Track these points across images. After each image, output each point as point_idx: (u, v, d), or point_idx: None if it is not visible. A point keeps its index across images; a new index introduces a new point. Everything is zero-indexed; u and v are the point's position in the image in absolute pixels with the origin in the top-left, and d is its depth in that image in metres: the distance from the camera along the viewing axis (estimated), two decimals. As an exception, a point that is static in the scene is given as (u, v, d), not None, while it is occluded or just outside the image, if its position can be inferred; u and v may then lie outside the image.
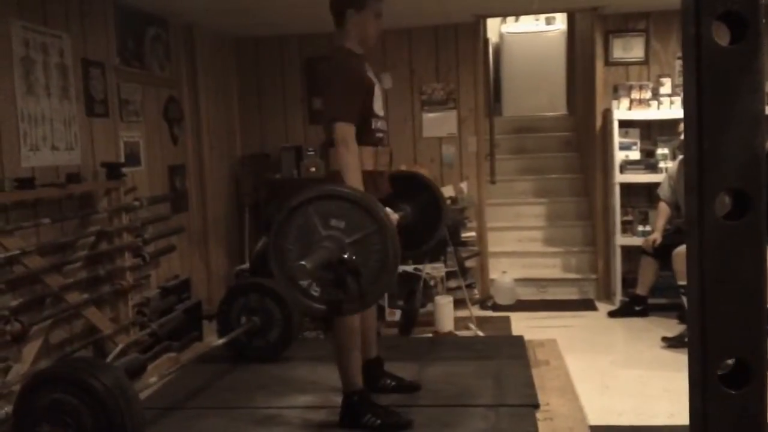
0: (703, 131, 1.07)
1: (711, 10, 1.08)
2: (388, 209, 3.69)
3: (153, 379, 3.87)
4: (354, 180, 3.37)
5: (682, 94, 5.45)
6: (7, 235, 3.82)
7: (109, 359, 4.16)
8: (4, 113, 3.97)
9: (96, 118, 4.82)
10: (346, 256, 2.95)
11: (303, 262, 2.82)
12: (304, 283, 3.00)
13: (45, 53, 4.32)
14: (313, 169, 6.55)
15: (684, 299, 5.37)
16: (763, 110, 1.10)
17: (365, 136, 3.54)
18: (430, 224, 4.38)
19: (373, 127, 3.61)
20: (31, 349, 3.97)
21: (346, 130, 3.42)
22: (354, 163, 3.41)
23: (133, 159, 5.23)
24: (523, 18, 8.84)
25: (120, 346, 4.37)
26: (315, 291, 3.04)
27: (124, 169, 4.88)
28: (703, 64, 1.08)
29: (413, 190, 4.31)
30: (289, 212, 3.06)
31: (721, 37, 1.11)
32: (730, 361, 1.19)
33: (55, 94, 4.39)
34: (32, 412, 3.08)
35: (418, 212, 4.27)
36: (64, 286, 4.21)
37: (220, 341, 4.56)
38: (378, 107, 3.65)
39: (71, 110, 4.55)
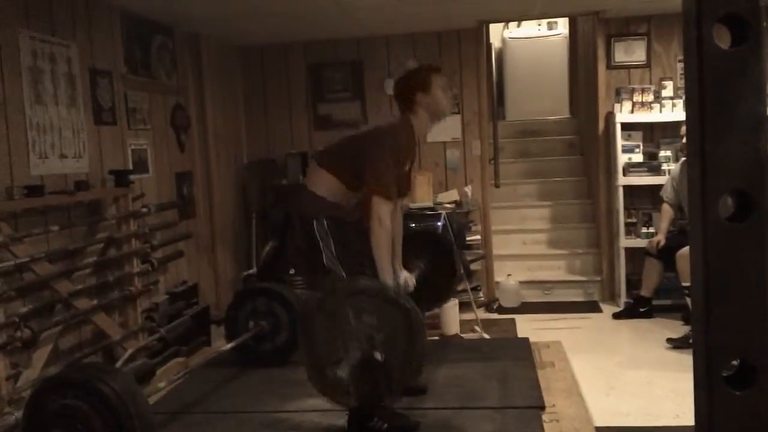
0: (706, 133, 1.09)
1: (712, 13, 1.10)
2: (405, 273, 3.84)
3: (162, 384, 3.89)
4: (384, 260, 3.53)
5: (684, 96, 5.48)
6: (17, 243, 3.85)
7: (118, 364, 4.18)
8: (13, 122, 4.01)
9: (104, 126, 4.86)
10: (377, 356, 3.04)
11: (340, 374, 2.96)
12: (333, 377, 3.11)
13: (53, 62, 4.35)
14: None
15: (688, 300, 5.38)
16: (765, 112, 1.12)
17: None
18: (445, 277, 4.55)
19: None
20: (40, 355, 4.00)
21: (384, 207, 3.55)
22: (386, 243, 3.57)
23: (140, 166, 5.27)
24: (525, 23, 8.87)
25: (129, 352, 4.40)
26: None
27: (132, 177, 4.92)
28: (704, 67, 1.11)
29: (425, 245, 4.41)
30: (321, 304, 3.14)
31: (723, 39, 1.14)
32: (735, 362, 1.20)
33: (63, 102, 4.43)
34: (42, 417, 3.10)
35: (433, 266, 4.42)
36: (73, 292, 4.24)
37: (228, 346, 4.58)
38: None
39: (79, 118, 4.59)
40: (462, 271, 4.56)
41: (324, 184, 3.71)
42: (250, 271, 6.39)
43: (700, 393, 1.23)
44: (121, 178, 4.77)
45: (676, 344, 5.23)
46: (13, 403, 3.64)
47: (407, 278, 3.91)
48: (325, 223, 3.64)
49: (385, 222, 3.53)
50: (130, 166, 5.11)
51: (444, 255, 4.50)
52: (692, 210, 1.15)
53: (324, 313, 3.14)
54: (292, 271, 5.82)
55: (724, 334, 1.16)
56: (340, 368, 2.97)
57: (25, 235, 3.93)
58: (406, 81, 3.83)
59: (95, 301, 4.48)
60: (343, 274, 3.60)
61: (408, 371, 3.13)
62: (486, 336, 5.65)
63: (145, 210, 4.93)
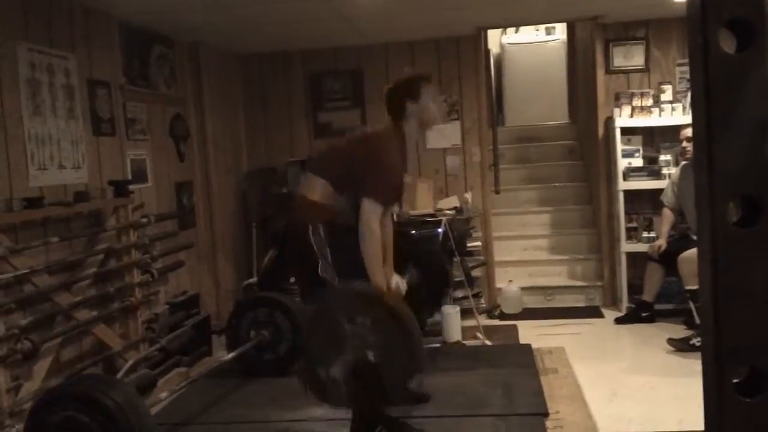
0: (713, 139, 1.08)
1: (718, 18, 1.09)
2: (397, 277, 3.88)
3: (163, 395, 3.88)
4: (374, 263, 3.56)
5: (683, 100, 5.46)
6: (17, 255, 3.84)
7: (119, 376, 4.17)
8: (12, 134, 4.00)
9: (103, 136, 4.85)
10: (371, 357, 3.07)
11: (334, 375, 3.01)
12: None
13: (51, 74, 4.35)
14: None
15: (691, 304, 5.36)
16: (772, 116, 1.11)
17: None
18: (435, 283, 4.58)
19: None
20: (41, 367, 3.98)
21: (374, 211, 3.59)
22: (377, 248, 3.60)
23: (140, 176, 5.26)
24: (523, 28, 8.88)
25: (130, 362, 4.38)
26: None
27: (132, 187, 4.90)
28: (710, 72, 1.10)
29: (415, 251, 4.43)
30: (317, 311, 3.15)
31: (728, 44, 1.13)
32: (744, 369, 1.19)
33: (61, 114, 4.42)
34: (43, 430, 3.09)
35: (424, 272, 4.43)
36: (73, 303, 4.23)
37: (230, 356, 4.57)
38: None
39: (78, 130, 4.58)
40: (453, 277, 4.58)
41: (317, 189, 3.75)
42: (251, 281, 6.38)
43: (710, 401, 1.21)
44: (120, 188, 4.75)
45: (677, 345, 5.21)
46: (14, 416, 3.63)
47: (398, 282, 3.93)
48: (321, 231, 3.66)
49: (374, 227, 3.57)
50: (130, 177, 5.10)
51: (435, 261, 4.51)
52: (700, 216, 1.14)
53: (319, 318, 3.16)
54: (292, 280, 5.81)
55: (733, 341, 1.15)
56: (333, 369, 2.99)
57: (25, 247, 3.91)
58: (396, 89, 3.87)
59: (95, 313, 4.46)
60: (336, 281, 3.63)
61: (402, 374, 3.13)
62: (488, 343, 5.63)
63: (144, 220, 4.92)
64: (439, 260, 4.58)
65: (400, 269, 4.09)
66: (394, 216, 4.06)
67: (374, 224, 3.58)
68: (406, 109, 3.80)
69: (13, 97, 4.03)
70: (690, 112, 6.04)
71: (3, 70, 3.96)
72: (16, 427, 3.52)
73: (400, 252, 4.16)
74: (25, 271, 3.85)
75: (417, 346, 3.12)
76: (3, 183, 3.91)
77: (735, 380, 1.18)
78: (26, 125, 4.11)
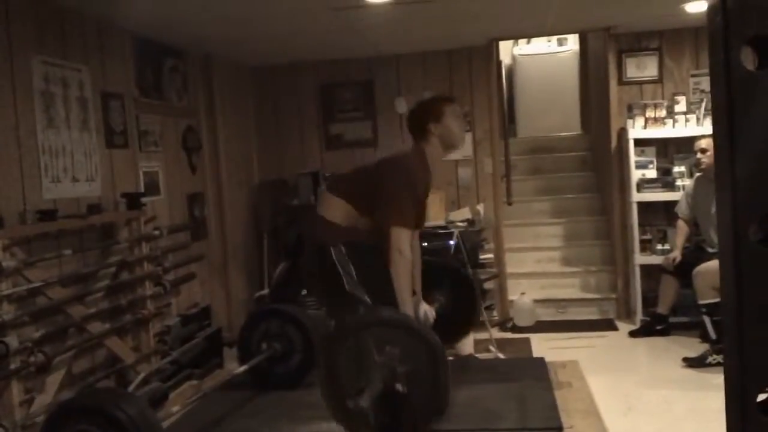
0: (735, 158, 1.07)
1: (739, 36, 1.07)
2: (425, 305, 3.84)
3: (176, 408, 3.86)
4: (404, 292, 3.49)
5: (697, 111, 5.42)
6: (30, 267, 3.85)
7: (131, 388, 4.15)
8: (26, 146, 4.01)
9: (116, 149, 4.86)
10: (399, 387, 3.01)
11: (361, 404, 2.90)
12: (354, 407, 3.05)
13: (65, 86, 4.36)
14: (330, 195, 6.56)
15: (705, 318, 5.31)
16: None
17: None
18: (465, 311, 4.48)
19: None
20: (54, 380, 3.98)
21: (403, 237, 3.52)
22: (406, 272, 3.53)
23: (152, 189, 5.26)
24: (534, 39, 8.87)
25: (142, 375, 4.37)
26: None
27: (144, 199, 4.91)
28: (732, 90, 1.08)
29: (445, 279, 4.38)
30: (343, 333, 3.11)
31: (748, 61, 1.11)
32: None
33: (75, 126, 4.44)
34: (57, 443, 3.08)
35: (452, 300, 4.36)
36: (86, 316, 4.23)
37: (242, 368, 4.54)
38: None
39: (91, 142, 4.59)
40: (482, 306, 4.53)
41: (337, 210, 3.70)
42: (262, 292, 6.37)
43: (733, 419, 1.19)
44: (133, 201, 4.76)
45: (692, 363, 5.16)
46: (27, 429, 3.63)
47: (427, 311, 3.87)
48: (343, 249, 3.62)
49: (405, 252, 3.51)
50: (142, 189, 5.11)
51: (465, 289, 4.49)
52: (722, 234, 1.12)
53: (345, 344, 3.11)
54: (304, 292, 5.80)
55: (758, 360, 1.13)
56: (362, 399, 2.92)
57: (38, 260, 3.92)
58: (419, 111, 3.82)
59: (108, 325, 4.46)
60: (366, 297, 3.56)
61: (432, 405, 3.08)
62: (501, 356, 5.60)
63: (157, 232, 4.92)
64: (470, 286, 4.52)
65: (428, 296, 4.03)
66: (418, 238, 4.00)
67: (405, 249, 3.52)
68: (429, 132, 3.74)
69: (28, 109, 4.04)
70: (704, 123, 6.07)
71: (17, 83, 3.98)
72: (29, 440, 3.52)
73: (429, 278, 4.13)
74: (38, 284, 3.85)
75: (447, 377, 3.08)
76: (17, 196, 3.92)
77: (759, 400, 1.16)
78: (40, 138, 4.12)
